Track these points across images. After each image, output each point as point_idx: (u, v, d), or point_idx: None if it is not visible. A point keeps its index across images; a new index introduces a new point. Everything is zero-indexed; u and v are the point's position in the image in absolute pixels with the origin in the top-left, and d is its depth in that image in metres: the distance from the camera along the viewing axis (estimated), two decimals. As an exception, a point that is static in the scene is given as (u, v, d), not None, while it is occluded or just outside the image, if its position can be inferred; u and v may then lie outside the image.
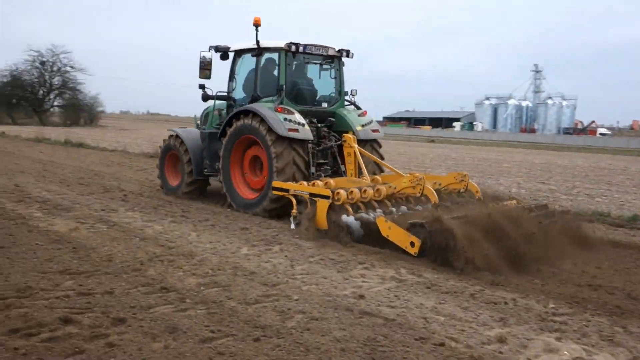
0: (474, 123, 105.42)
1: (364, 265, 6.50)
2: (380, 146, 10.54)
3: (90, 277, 5.55)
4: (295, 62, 10.14)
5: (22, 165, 15.65)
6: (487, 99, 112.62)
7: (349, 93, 10.70)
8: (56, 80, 52.09)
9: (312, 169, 9.53)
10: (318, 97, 10.56)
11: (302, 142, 9.35)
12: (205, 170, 10.90)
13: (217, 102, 11.04)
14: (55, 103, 53.80)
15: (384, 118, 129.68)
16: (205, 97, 10.82)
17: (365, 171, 9.45)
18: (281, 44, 9.79)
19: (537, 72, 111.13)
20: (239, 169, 10.08)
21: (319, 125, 10.12)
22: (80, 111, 52.03)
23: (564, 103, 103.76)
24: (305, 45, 9.91)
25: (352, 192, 7.92)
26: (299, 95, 10.19)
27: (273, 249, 7.13)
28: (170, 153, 11.58)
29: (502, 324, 4.78)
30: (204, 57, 10.35)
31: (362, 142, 9.99)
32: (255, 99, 10.08)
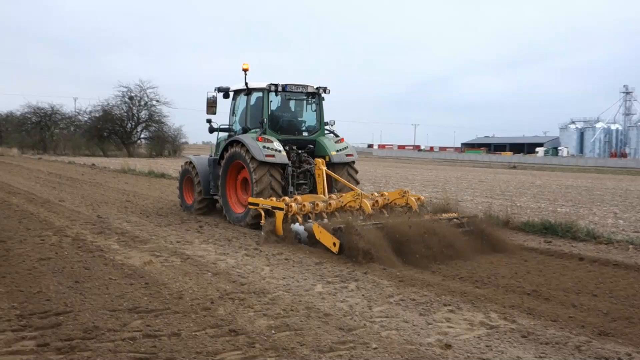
0: (559, 148, 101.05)
1: (448, 307, 5.91)
2: (354, 166, 11.94)
3: (159, 316, 5.32)
4: (279, 99, 11.96)
5: (107, 196, 16.14)
6: (573, 122, 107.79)
7: (328, 123, 12.21)
8: (143, 114, 54.01)
9: (291, 188, 11.15)
10: (300, 127, 12.22)
11: (280, 165, 11.00)
12: (211, 190, 12.58)
13: (223, 133, 12.86)
14: (142, 135, 55.67)
15: (463, 145, 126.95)
16: (212, 130, 12.59)
17: (326, 189, 10.91)
18: (263, 84, 11.53)
19: (627, 93, 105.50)
20: (233, 189, 11.80)
21: (300, 151, 11.68)
22: (165, 143, 53.65)
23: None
24: (285, 85, 11.59)
25: (304, 205, 9.45)
26: (283, 126, 11.91)
27: (349, 286, 6.69)
28: (187, 177, 13.47)
29: (618, 386, 4.09)
30: (211, 96, 12.19)
31: (337, 165, 11.58)
32: (245, 130, 11.82)
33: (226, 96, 12.37)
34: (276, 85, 11.45)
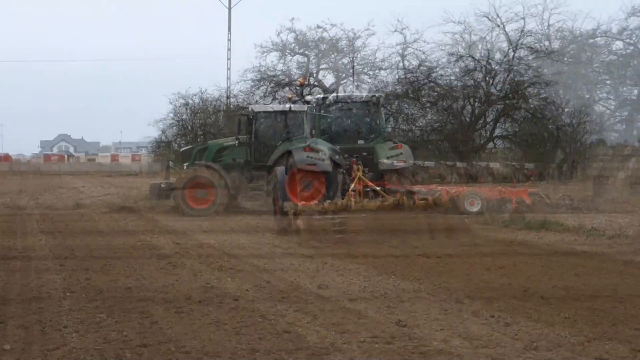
0: None
1: None
2: (408, 172, 22.98)
3: None
4: (335, 109, 24.51)
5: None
6: None
7: (390, 130, 24.42)
8: (497, 82, 37.93)
9: (338, 192, 19.74)
10: (355, 135, 23.88)
11: (324, 173, 19.97)
12: None
13: None
14: (496, 132, 38.90)
15: None
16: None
17: (355, 190, 19.46)
18: (312, 98, 25.01)
19: None
20: (294, 196, 20.98)
21: (354, 157, 20.67)
22: (554, 146, 35.26)
23: None
24: (335, 97, 24.21)
25: (309, 206, 18.73)
26: (337, 135, 23.87)
27: None
28: None
29: None
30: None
31: (388, 170, 22.70)
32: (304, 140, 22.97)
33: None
34: (325, 98, 23.13)
